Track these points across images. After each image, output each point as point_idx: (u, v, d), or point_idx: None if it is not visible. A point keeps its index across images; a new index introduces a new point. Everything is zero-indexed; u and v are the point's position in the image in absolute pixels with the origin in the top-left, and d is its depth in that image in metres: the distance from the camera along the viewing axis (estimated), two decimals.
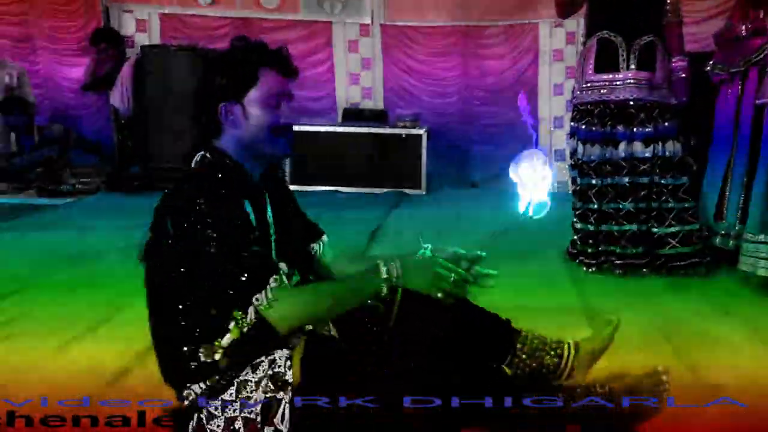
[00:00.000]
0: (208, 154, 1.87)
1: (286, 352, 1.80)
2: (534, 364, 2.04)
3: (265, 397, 1.75)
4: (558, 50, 7.12)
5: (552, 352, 2.06)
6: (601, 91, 3.67)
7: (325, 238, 2.14)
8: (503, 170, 6.65)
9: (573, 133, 3.82)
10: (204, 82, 1.90)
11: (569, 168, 3.97)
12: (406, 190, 6.19)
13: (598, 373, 2.05)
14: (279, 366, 1.79)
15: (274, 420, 1.75)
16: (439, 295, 1.79)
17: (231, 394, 1.78)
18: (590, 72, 3.68)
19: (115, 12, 7.19)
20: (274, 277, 1.74)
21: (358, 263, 2.06)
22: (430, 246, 1.87)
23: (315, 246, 2.12)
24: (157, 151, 6.09)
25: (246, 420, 1.76)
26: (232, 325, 1.73)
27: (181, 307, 1.76)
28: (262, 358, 1.79)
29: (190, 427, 1.80)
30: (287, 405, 1.74)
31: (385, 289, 1.78)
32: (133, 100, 6.45)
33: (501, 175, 6.89)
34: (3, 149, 6.31)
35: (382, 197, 5.88)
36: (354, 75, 7.26)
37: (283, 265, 1.85)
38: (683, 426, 1.95)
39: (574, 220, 3.83)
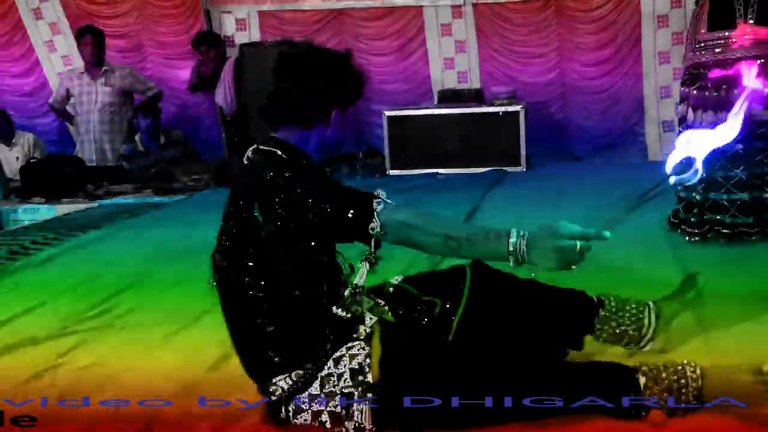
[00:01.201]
0: (262, 146, 1.93)
1: (366, 349, 1.88)
2: (617, 331, 2.08)
3: (347, 393, 1.84)
4: (663, 15, 6.85)
5: (633, 318, 2.09)
6: (716, 50, 3.47)
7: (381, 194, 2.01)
8: (606, 143, 6.58)
9: (683, 99, 3.65)
10: (277, 88, 1.96)
11: (678, 135, 3.83)
12: (506, 168, 6.14)
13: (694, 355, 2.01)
14: (359, 362, 1.86)
15: (355, 415, 1.83)
16: (573, 267, 1.69)
17: (316, 388, 1.87)
18: (703, 31, 3.49)
19: (215, 13, 7.46)
20: (376, 200, 1.77)
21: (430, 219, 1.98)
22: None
23: None
24: None
25: (332, 414, 1.85)
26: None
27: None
28: (343, 351, 1.87)
29: (280, 417, 1.90)
30: (367, 401, 1.82)
31: (510, 256, 1.69)
32: (235, 97, 6.67)
33: (606, 147, 6.82)
34: (129, 150, 6.68)
35: (481, 177, 5.85)
36: (448, 60, 7.24)
37: (381, 191, 1.84)
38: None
39: (679, 188, 3.70)
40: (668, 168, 1.78)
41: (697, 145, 1.80)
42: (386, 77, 7.29)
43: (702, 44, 3.51)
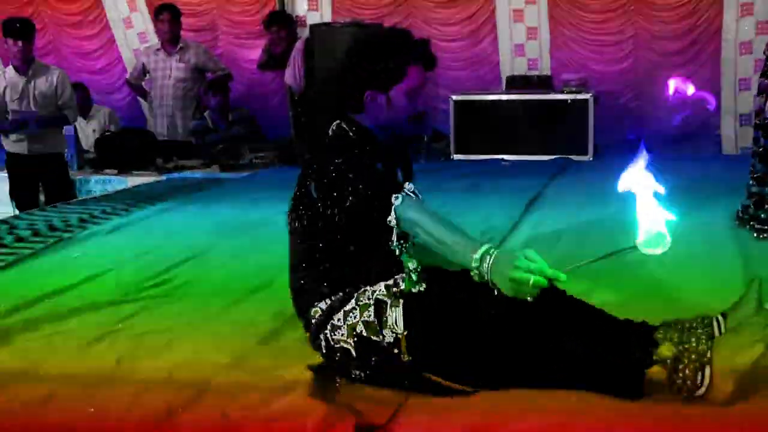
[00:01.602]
0: (344, 124, 2.07)
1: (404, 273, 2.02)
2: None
3: (379, 298, 1.96)
4: (747, 3, 6.61)
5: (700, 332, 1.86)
6: None
7: (408, 187, 2.08)
8: (679, 135, 6.42)
9: (762, 90, 3.54)
10: (351, 65, 2.09)
11: (753, 127, 3.71)
12: (573, 157, 6.04)
13: None
14: (394, 279, 2.00)
15: (389, 323, 1.94)
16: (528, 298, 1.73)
17: (351, 303, 2.00)
18: None
19: None
20: (394, 196, 1.90)
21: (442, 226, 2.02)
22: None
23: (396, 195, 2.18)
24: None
25: (366, 323, 1.96)
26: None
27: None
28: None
29: (322, 346, 2.03)
30: (401, 309, 1.93)
31: (473, 271, 1.77)
32: (304, 77, 6.71)
33: (679, 139, 6.64)
34: (198, 126, 6.83)
35: (547, 164, 5.78)
36: (519, 46, 7.14)
37: (409, 185, 2.00)
38: None
39: (751, 183, 3.58)
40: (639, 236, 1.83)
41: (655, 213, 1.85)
42: (455, 63, 7.25)
43: None
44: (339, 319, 2.00)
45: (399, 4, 7.27)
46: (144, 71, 7.17)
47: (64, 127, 5.85)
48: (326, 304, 2.03)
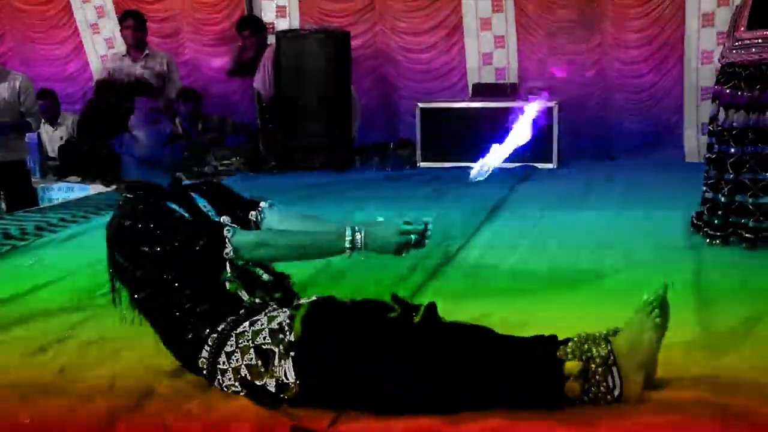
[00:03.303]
0: (127, 194, 2.20)
1: (287, 312, 1.96)
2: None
3: (265, 348, 1.92)
4: (708, 14, 6.70)
5: (598, 344, 1.87)
6: (753, 50, 3.38)
7: (263, 204, 2.35)
8: (643, 143, 6.48)
9: (715, 97, 3.58)
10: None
11: (707, 134, 3.75)
12: (537, 164, 6.08)
13: None
14: (278, 322, 1.95)
15: (275, 370, 1.89)
16: (404, 254, 2.02)
17: (231, 344, 1.96)
18: (743, 29, 3.41)
19: (257, 1, 7.53)
20: (226, 228, 2.02)
21: (309, 222, 2.29)
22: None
23: (254, 213, 2.32)
24: (291, 131, 6.33)
25: (249, 367, 1.93)
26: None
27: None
28: (261, 315, 1.98)
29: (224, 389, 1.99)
30: (289, 358, 1.89)
31: (347, 251, 1.99)
32: (273, 82, 6.70)
33: (642, 147, 6.71)
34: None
35: (511, 172, 5.81)
36: (486, 55, 7.18)
37: (226, 218, 2.16)
38: None
39: (705, 189, 3.63)
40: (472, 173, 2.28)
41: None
42: (422, 73, 7.28)
43: (740, 43, 3.43)
44: (224, 362, 1.97)
45: (366, 12, 7.29)
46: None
47: (27, 134, 5.79)
48: (207, 351, 1.99)
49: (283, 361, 1.90)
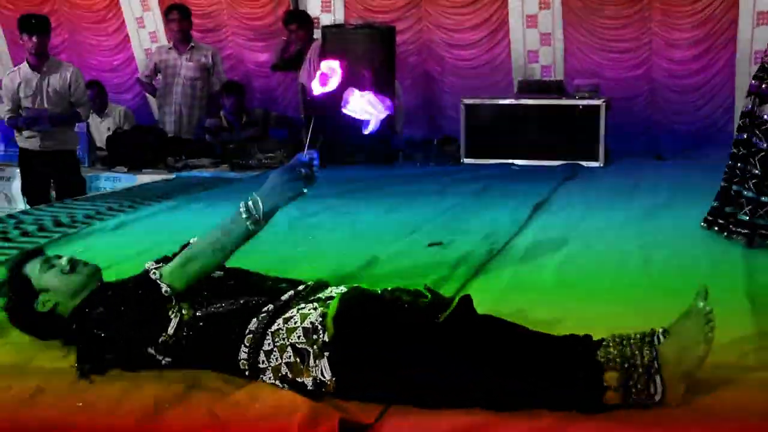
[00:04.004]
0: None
1: (318, 309, 1.94)
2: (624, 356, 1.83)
3: (300, 347, 1.90)
4: (764, 12, 6.54)
5: (639, 351, 1.81)
6: None
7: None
8: (691, 143, 6.37)
9: (751, 92, 3.45)
10: None
11: (736, 130, 3.64)
12: (583, 163, 6.01)
13: None
14: (311, 321, 1.93)
15: (311, 369, 1.88)
16: (305, 190, 2.08)
17: (269, 343, 1.95)
18: None
19: None
20: (151, 272, 2.09)
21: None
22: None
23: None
24: (337, 126, 6.32)
25: (288, 365, 1.92)
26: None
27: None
28: (293, 312, 1.97)
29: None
30: (324, 357, 1.87)
31: (250, 225, 2.04)
32: None
33: (690, 147, 6.58)
34: (214, 125, 6.85)
35: (556, 170, 5.75)
36: (532, 52, 7.11)
37: (148, 263, 2.19)
38: None
39: (725, 184, 3.54)
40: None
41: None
42: (467, 70, 7.24)
43: None
44: (263, 361, 1.96)
45: (411, 8, 7.26)
46: (156, 70, 7.21)
47: (77, 125, 5.89)
48: (245, 351, 1.98)
49: (318, 360, 1.89)
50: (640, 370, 1.78)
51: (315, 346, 1.90)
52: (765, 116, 3.36)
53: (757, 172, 3.37)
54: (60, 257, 2.26)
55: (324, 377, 1.88)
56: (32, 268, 2.22)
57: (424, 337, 1.87)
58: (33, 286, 2.19)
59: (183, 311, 2.04)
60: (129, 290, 2.11)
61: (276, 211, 2.10)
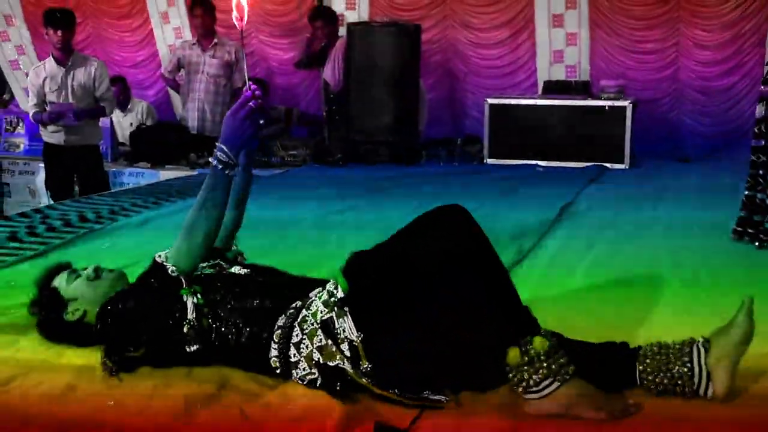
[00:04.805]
0: None
1: (332, 280, 1.99)
2: (665, 381, 1.82)
3: (325, 319, 1.91)
4: None
5: (679, 362, 1.81)
6: None
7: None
8: (718, 145, 6.30)
9: (763, 98, 3.41)
10: None
11: (753, 137, 3.56)
12: (608, 165, 5.96)
13: None
14: (327, 289, 1.97)
15: (342, 336, 1.88)
16: (261, 122, 2.08)
17: (297, 334, 1.95)
18: None
19: None
20: (157, 258, 2.10)
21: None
22: None
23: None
24: (359, 124, 6.32)
25: (320, 348, 1.91)
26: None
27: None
28: (313, 297, 1.99)
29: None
30: (346, 315, 1.88)
31: (229, 173, 2.04)
32: (344, 75, 6.69)
33: (717, 149, 6.51)
34: None
35: (581, 171, 5.70)
36: (558, 52, 7.05)
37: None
38: None
39: (749, 193, 3.45)
40: None
41: None
42: (491, 69, 7.20)
43: None
44: (294, 354, 1.94)
45: (436, 6, 7.23)
46: (179, 66, 7.19)
47: (101, 119, 5.90)
48: (275, 348, 1.97)
49: (341, 320, 1.88)
50: (680, 383, 1.76)
51: (336, 309, 1.90)
52: None
53: None
54: (86, 268, 2.26)
55: (352, 337, 1.86)
56: (60, 280, 2.24)
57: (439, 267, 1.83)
58: (62, 297, 2.20)
59: (198, 294, 2.04)
60: (142, 282, 2.12)
61: (241, 150, 2.12)
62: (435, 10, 7.25)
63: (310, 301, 1.99)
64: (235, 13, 2.16)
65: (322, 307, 1.93)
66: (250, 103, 2.07)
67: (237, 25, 2.18)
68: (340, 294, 1.91)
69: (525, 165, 6.06)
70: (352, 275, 1.91)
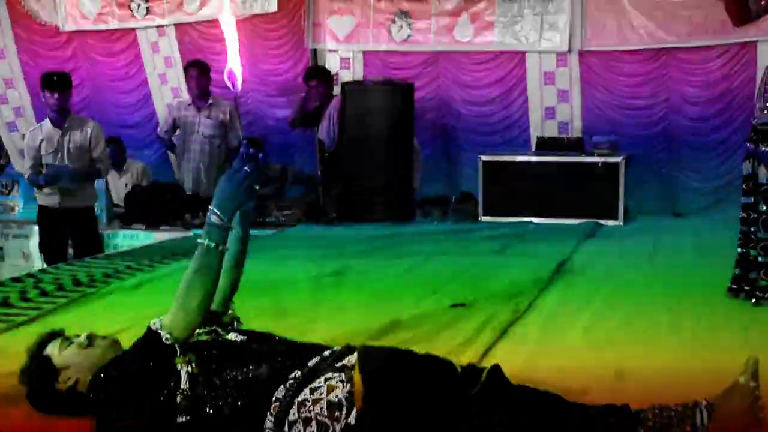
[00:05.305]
0: None
1: (347, 386, 1.90)
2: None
3: (321, 422, 1.87)
4: None
5: (682, 425, 1.79)
6: None
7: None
8: (712, 200, 6.30)
9: (749, 156, 3.46)
10: None
11: (742, 194, 3.58)
12: (602, 221, 5.97)
13: None
14: (337, 395, 1.90)
15: (341, 416, 1.86)
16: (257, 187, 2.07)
17: (293, 414, 1.91)
18: None
19: (322, 52, 7.63)
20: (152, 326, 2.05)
21: None
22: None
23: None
24: (353, 182, 6.34)
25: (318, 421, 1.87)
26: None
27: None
28: (321, 381, 1.92)
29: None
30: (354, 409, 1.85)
31: (208, 241, 2.00)
32: (338, 133, 6.73)
33: (710, 204, 6.53)
34: None
35: (576, 228, 5.70)
36: (549, 109, 7.13)
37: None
38: None
39: (742, 250, 3.46)
40: None
41: None
42: (484, 126, 7.27)
43: None
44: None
45: (429, 65, 7.33)
46: (174, 126, 7.23)
47: (96, 181, 5.91)
48: (270, 420, 1.94)
49: (346, 407, 1.86)
50: None
51: (337, 425, 1.85)
52: (764, 179, 3.33)
53: (762, 235, 3.33)
54: (79, 335, 2.23)
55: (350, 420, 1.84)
56: (52, 348, 2.20)
57: (457, 416, 1.80)
58: (53, 365, 2.16)
59: (192, 364, 2.00)
60: (136, 349, 2.08)
61: (235, 213, 2.09)
62: (428, 68, 7.35)
63: (317, 384, 1.94)
64: (227, 82, 2.17)
65: (324, 407, 1.89)
66: (245, 167, 2.05)
67: (231, 90, 2.18)
68: (350, 420, 1.86)
69: (519, 222, 6.06)
70: (369, 401, 1.86)
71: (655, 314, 3.31)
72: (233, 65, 2.16)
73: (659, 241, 5.22)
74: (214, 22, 7.66)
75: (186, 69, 7.22)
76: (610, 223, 5.98)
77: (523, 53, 7.07)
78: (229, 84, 2.16)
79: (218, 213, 2.02)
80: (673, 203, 6.74)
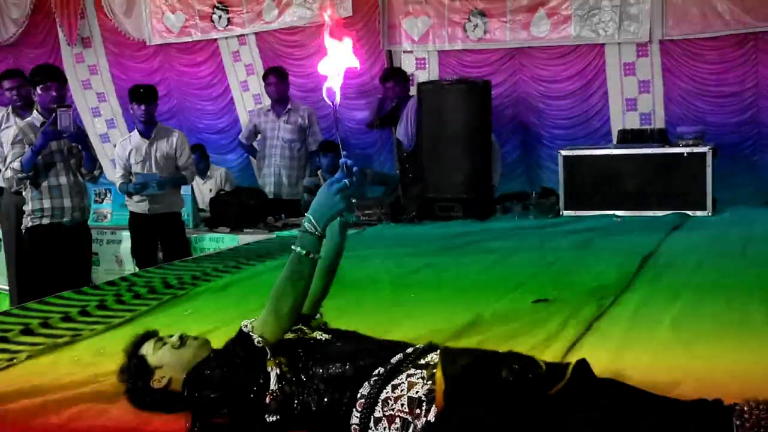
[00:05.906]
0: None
1: (428, 384, 1.91)
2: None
3: (401, 414, 1.90)
4: None
5: None
6: None
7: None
8: None
9: None
10: None
11: None
12: (690, 212, 5.80)
13: None
14: (417, 391, 1.91)
15: (421, 413, 1.87)
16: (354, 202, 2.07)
17: (378, 411, 1.95)
18: None
19: (397, 53, 7.68)
20: (243, 327, 2.12)
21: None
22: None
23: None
24: (432, 181, 6.35)
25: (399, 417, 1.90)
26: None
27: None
28: (402, 378, 1.95)
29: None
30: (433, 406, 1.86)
31: (300, 248, 2.03)
32: (415, 133, 6.76)
33: None
34: (312, 183, 6.97)
35: (662, 220, 5.56)
36: (630, 100, 6.98)
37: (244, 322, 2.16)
38: None
39: None
40: None
41: None
42: (563, 120, 7.16)
43: None
44: (372, 428, 1.94)
45: (505, 62, 7.28)
46: (255, 132, 7.41)
47: (182, 187, 6.10)
48: (356, 416, 1.97)
49: (426, 404, 1.88)
50: None
51: (418, 423, 1.88)
52: None
53: None
54: (171, 336, 2.32)
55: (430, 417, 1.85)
56: (147, 348, 2.29)
57: (542, 414, 1.80)
58: (148, 365, 2.25)
59: (282, 366, 2.05)
60: (228, 350, 2.15)
61: (330, 222, 2.11)
62: (504, 65, 7.30)
63: (399, 381, 1.97)
64: (327, 99, 2.20)
65: (405, 403, 1.91)
66: (345, 180, 2.08)
67: (331, 106, 2.21)
68: (430, 417, 1.87)
69: (602, 215, 5.95)
70: (451, 375, 1.89)
71: (748, 307, 3.20)
72: (333, 83, 2.17)
73: (750, 231, 5.04)
74: (291, 30, 7.82)
75: (264, 76, 7.38)
76: (698, 213, 5.81)
77: (602, 45, 6.94)
78: (328, 101, 2.17)
79: (313, 221, 2.05)
80: (765, 192, 6.49)
